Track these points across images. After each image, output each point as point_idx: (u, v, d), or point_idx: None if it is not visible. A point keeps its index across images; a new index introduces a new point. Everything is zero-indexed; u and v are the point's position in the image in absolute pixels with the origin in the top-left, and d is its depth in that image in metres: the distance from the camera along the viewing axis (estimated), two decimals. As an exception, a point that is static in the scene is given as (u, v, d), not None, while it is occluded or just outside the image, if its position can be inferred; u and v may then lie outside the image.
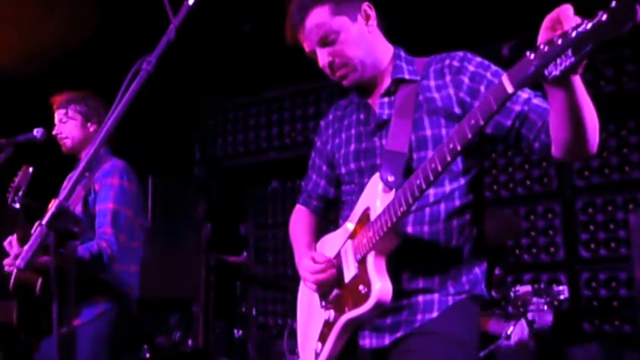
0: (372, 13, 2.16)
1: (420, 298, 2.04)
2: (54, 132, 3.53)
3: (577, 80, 1.61)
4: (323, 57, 2.14)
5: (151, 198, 6.34)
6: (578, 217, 5.02)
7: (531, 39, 1.56)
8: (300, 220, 2.51)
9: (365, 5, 2.15)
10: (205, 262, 6.22)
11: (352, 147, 2.22)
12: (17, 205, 3.25)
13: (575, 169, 5.03)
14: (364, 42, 2.14)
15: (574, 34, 1.38)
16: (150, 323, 5.91)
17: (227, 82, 6.20)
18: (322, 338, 2.17)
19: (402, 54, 2.21)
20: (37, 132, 3.51)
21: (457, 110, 2.04)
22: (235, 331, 5.30)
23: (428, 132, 2.05)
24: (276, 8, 4.73)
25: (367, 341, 2.10)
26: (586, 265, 4.93)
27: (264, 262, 6.45)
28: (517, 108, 1.93)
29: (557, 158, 1.84)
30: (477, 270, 2.08)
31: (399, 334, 2.04)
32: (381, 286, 1.94)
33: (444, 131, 2.04)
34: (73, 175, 1.75)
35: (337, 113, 2.37)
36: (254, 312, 5.28)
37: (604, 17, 1.33)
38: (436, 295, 2.04)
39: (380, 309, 1.97)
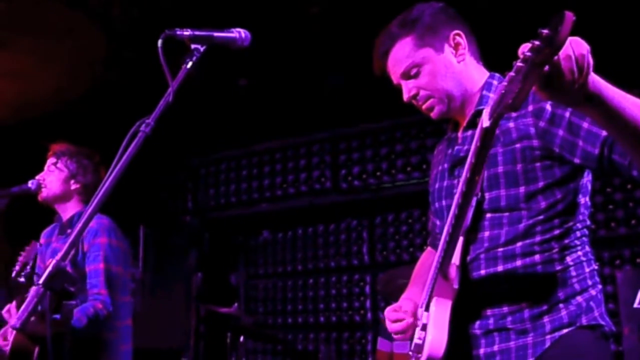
0: (463, 41, 2.02)
1: (512, 344, 1.86)
2: (37, 176, 3.54)
3: (599, 91, 1.45)
4: (407, 90, 2.04)
5: (142, 247, 6.34)
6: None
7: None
8: (422, 258, 2.34)
9: (453, 34, 2.02)
10: (196, 312, 6.19)
11: (437, 185, 2.12)
12: (22, 280, 3.27)
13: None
14: (451, 73, 2.00)
15: (519, 61, 1.35)
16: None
17: (220, 133, 6.27)
18: None
19: (496, 81, 2.01)
20: (31, 183, 3.53)
21: (535, 142, 1.84)
22: (225, 382, 5.26)
23: (500, 169, 1.89)
24: (267, 64, 4.86)
25: None
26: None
27: (254, 313, 6.43)
28: (603, 133, 1.72)
29: None
30: (579, 299, 1.86)
31: None
32: (432, 339, 1.78)
33: (519, 167, 1.86)
34: (69, 236, 1.77)
35: (439, 147, 2.24)
36: (243, 363, 5.25)
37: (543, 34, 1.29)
38: (530, 337, 1.84)
39: None
